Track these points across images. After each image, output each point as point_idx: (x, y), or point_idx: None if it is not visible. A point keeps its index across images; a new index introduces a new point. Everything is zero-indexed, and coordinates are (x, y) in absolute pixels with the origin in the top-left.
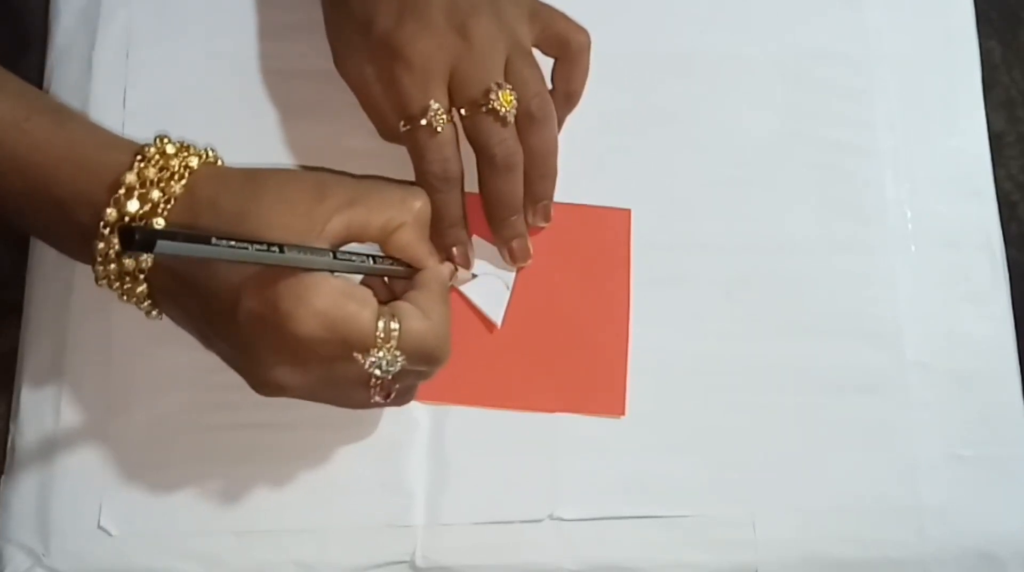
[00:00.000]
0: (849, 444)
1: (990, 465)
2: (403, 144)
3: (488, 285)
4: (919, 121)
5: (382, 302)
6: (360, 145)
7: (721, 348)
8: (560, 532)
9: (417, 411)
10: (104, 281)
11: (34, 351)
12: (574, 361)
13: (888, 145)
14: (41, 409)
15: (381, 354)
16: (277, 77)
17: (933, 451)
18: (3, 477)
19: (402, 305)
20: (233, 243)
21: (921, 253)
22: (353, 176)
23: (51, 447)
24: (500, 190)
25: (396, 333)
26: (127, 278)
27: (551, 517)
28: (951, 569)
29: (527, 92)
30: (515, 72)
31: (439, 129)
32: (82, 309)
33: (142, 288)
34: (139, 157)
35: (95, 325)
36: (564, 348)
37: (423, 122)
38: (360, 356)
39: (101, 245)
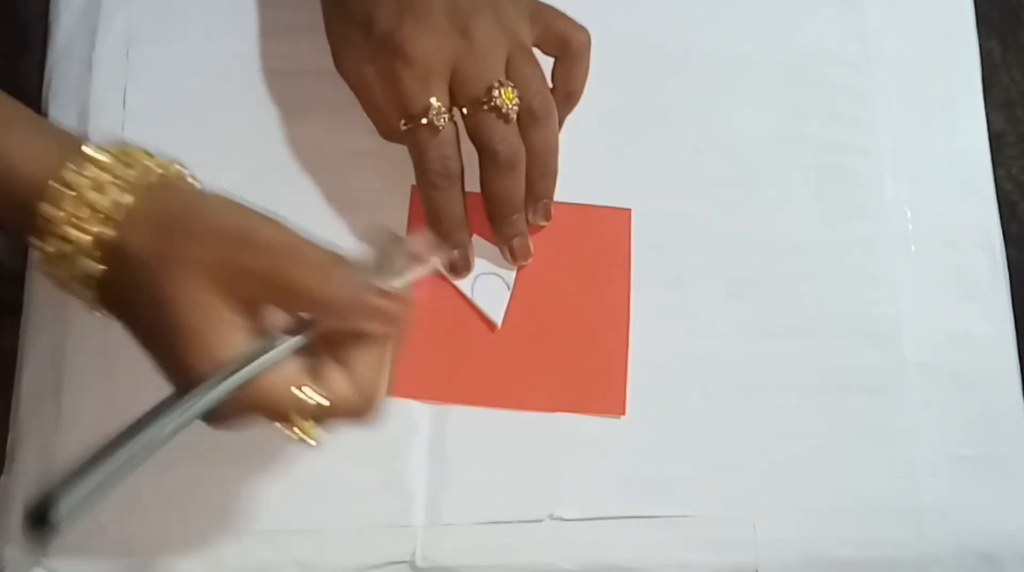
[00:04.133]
0: (849, 444)
1: (990, 465)
2: (403, 143)
3: (489, 284)
4: (919, 121)
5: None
6: (360, 145)
7: (721, 348)
8: (560, 532)
9: (417, 411)
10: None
11: (34, 351)
12: (574, 361)
13: (888, 145)
14: (41, 409)
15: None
16: (277, 77)
17: (933, 451)
18: (3, 477)
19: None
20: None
21: (921, 253)
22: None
23: (51, 447)
24: (502, 188)
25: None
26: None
27: (551, 517)
28: (951, 569)
29: (529, 90)
30: (516, 70)
31: (440, 127)
32: (82, 309)
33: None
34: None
35: (95, 325)
36: (564, 348)
37: (424, 121)
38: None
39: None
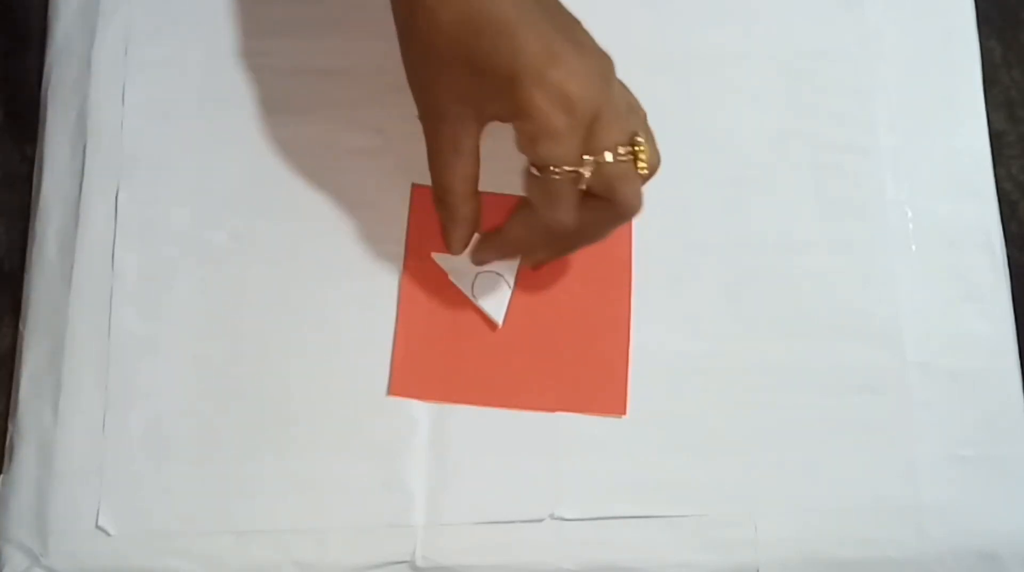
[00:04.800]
0: (849, 444)
1: (990, 465)
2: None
3: (490, 283)
4: (919, 121)
5: None
6: (360, 144)
7: (721, 348)
8: (560, 532)
9: (417, 411)
10: None
11: (33, 350)
12: (575, 360)
13: (888, 145)
14: (40, 408)
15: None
16: (277, 75)
17: (933, 451)
18: (1, 477)
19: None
20: None
21: (921, 253)
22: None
23: (49, 446)
24: (604, 235)
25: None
26: None
27: (552, 517)
28: (951, 569)
29: (653, 146)
30: (641, 126)
31: (586, 178)
32: (82, 309)
33: None
34: None
35: (95, 325)
36: (565, 347)
37: (555, 170)
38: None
39: None
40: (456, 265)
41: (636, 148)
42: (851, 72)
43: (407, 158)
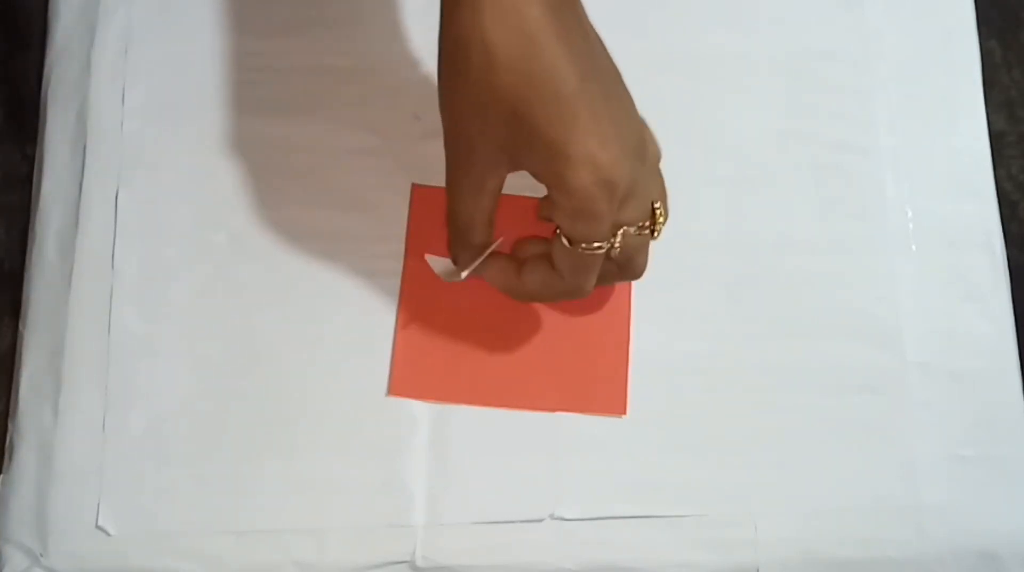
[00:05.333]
0: (849, 444)
1: (990, 465)
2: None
3: None
4: (919, 121)
5: None
6: (360, 144)
7: (722, 348)
8: (561, 532)
9: (417, 411)
10: None
11: (33, 350)
12: (575, 360)
13: (888, 145)
14: (40, 408)
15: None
16: (277, 75)
17: (933, 451)
18: (1, 476)
19: None
20: None
21: (921, 253)
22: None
23: (49, 446)
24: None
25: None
26: None
27: (552, 517)
28: (951, 569)
29: (665, 208)
30: (660, 189)
31: (617, 249)
32: (82, 309)
33: None
34: None
35: (95, 325)
36: (565, 347)
37: (586, 246)
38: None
39: None
40: (447, 267)
41: (656, 216)
42: (851, 72)
43: (407, 158)
